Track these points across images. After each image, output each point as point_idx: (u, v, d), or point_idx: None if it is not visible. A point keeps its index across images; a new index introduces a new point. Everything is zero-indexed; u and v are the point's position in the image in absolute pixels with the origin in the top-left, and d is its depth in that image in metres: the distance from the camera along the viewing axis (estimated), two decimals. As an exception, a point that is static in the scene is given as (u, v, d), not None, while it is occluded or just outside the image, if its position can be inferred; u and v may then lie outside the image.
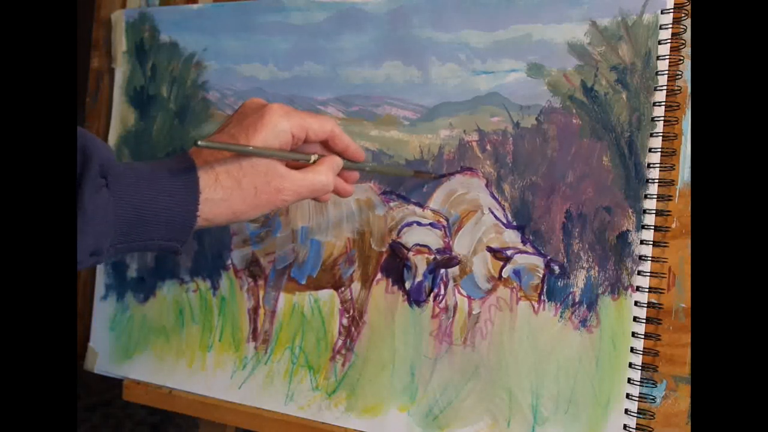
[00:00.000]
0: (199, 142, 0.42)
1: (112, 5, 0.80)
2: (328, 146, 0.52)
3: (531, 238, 0.56)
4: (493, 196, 0.58)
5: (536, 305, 0.55)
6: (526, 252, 0.56)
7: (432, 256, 0.60)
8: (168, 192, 0.44)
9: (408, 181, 0.61)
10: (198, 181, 0.45)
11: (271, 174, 0.47)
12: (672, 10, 0.52)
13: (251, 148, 0.46)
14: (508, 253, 0.57)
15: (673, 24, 0.52)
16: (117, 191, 0.43)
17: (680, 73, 0.52)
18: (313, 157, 0.49)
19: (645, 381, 0.51)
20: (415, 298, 0.60)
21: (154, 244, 0.45)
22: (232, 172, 0.46)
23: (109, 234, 0.43)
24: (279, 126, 0.47)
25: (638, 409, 0.51)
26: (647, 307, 0.51)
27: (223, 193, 0.46)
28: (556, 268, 0.55)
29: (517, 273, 0.56)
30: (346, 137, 0.52)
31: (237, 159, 0.47)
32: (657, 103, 0.52)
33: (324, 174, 0.50)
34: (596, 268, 0.53)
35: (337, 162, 0.51)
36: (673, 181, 0.51)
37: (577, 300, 0.54)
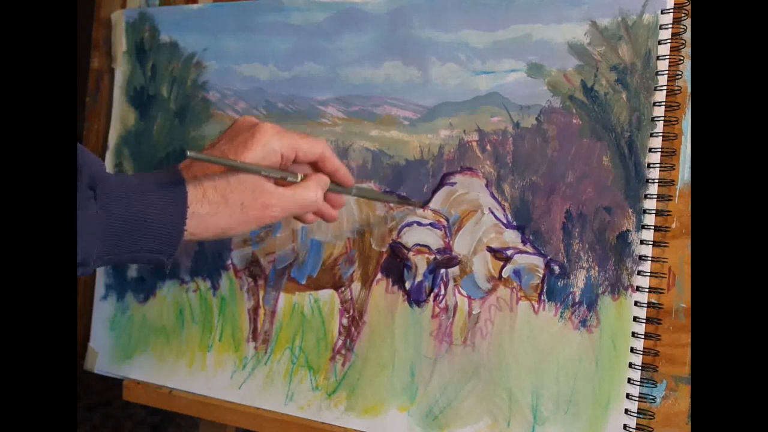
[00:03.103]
0: (189, 153, 0.42)
1: (112, 5, 0.80)
2: (317, 168, 0.52)
3: (531, 238, 0.56)
4: (493, 196, 0.58)
5: (536, 305, 0.55)
6: (526, 252, 0.56)
7: (432, 256, 0.60)
8: (156, 205, 0.44)
9: (408, 182, 0.61)
10: (186, 195, 0.45)
11: (259, 190, 0.47)
12: (672, 10, 0.52)
13: (239, 162, 0.46)
14: (508, 253, 0.57)
15: (673, 24, 0.52)
16: (105, 203, 0.43)
17: (680, 73, 0.52)
18: (300, 176, 0.50)
19: (645, 381, 0.51)
20: (415, 298, 0.60)
21: (141, 256, 0.46)
22: (220, 188, 0.46)
23: (96, 245, 0.43)
24: (269, 145, 0.47)
25: (638, 409, 0.51)
26: (647, 307, 0.51)
27: (209, 209, 0.46)
28: (556, 268, 0.55)
29: (517, 273, 0.56)
30: (336, 160, 0.52)
31: (225, 175, 0.47)
32: (657, 103, 0.52)
33: (312, 190, 0.50)
34: (596, 268, 0.53)
35: (325, 180, 0.52)
36: (673, 181, 0.51)
37: (577, 300, 0.54)
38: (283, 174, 0.49)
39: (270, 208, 0.48)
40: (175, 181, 0.46)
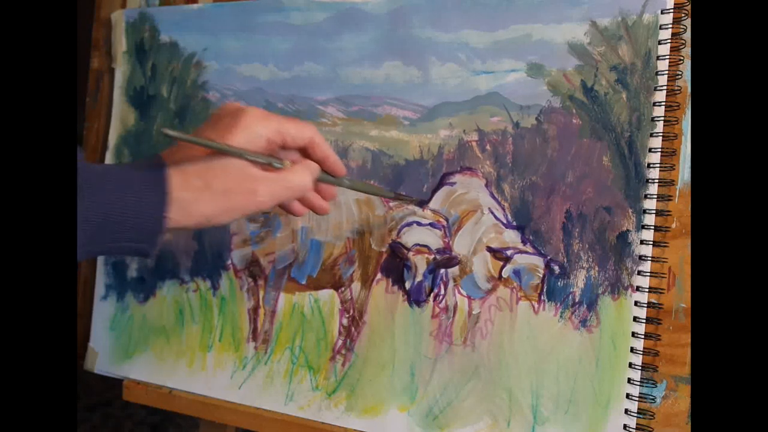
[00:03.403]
0: (165, 131, 0.40)
1: (112, 5, 0.80)
2: (307, 155, 0.50)
3: (531, 238, 0.56)
4: (493, 196, 0.58)
5: (536, 305, 0.55)
6: (526, 252, 0.56)
7: (432, 256, 0.60)
8: (136, 191, 0.42)
9: (408, 182, 0.61)
10: (167, 179, 0.43)
11: (243, 175, 0.45)
12: (672, 10, 0.52)
13: (221, 144, 0.44)
14: (508, 253, 0.57)
15: (673, 24, 0.52)
16: (84, 194, 0.41)
17: (680, 73, 0.52)
18: (287, 162, 0.47)
19: (645, 381, 0.51)
20: (415, 298, 0.60)
21: (123, 246, 0.44)
22: (202, 173, 0.44)
23: (78, 236, 0.41)
24: (254, 130, 0.45)
25: (638, 409, 0.51)
26: (647, 307, 0.51)
27: (192, 195, 0.44)
28: (556, 268, 0.55)
29: (517, 273, 0.56)
30: (327, 147, 0.50)
31: (208, 160, 0.45)
32: (657, 103, 0.52)
33: (300, 174, 0.47)
34: (596, 268, 0.53)
35: (314, 167, 0.49)
36: (673, 181, 0.51)
37: (577, 300, 0.54)
38: (269, 159, 0.46)
39: (256, 194, 0.45)
40: (155, 166, 0.44)
